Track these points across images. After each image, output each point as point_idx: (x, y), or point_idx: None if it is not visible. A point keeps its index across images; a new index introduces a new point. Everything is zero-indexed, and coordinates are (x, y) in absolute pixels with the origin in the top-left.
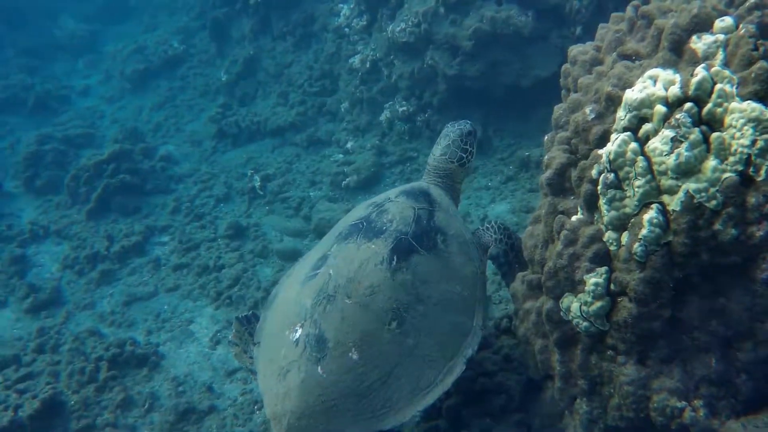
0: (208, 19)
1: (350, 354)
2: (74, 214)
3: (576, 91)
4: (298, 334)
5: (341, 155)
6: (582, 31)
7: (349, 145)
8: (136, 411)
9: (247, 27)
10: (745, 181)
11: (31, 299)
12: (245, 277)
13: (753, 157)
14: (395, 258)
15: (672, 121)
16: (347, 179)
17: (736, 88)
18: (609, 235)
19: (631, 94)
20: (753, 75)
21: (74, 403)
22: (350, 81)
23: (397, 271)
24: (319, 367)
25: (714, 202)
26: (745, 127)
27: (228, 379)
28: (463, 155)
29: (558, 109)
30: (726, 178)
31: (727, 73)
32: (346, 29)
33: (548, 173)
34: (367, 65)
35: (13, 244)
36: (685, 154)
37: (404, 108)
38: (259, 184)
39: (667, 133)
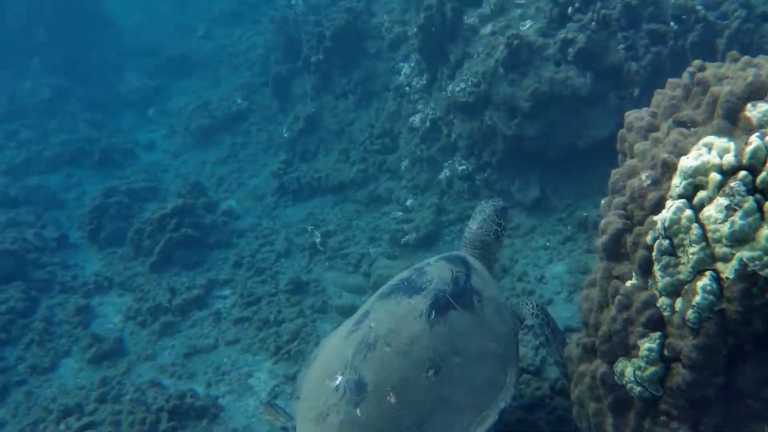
0: (270, 75)
1: (388, 398)
2: (137, 267)
3: (632, 157)
4: (338, 381)
5: (401, 212)
6: (640, 93)
7: (408, 203)
8: None
9: (308, 84)
10: None
11: (94, 349)
12: (304, 332)
13: None
14: (433, 312)
15: (726, 189)
16: (407, 237)
17: None
18: (663, 301)
19: (687, 162)
20: None
21: None
22: (410, 139)
23: (435, 323)
24: (358, 410)
25: None
26: None
27: None
28: (498, 229)
29: (615, 174)
30: None
31: None
32: (407, 88)
33: (604, 238)
34: (427, 124)
35: (78, 295)
36: (740, 222)
37: (463, 167)
38: (319, 239)
39: (722, 201)
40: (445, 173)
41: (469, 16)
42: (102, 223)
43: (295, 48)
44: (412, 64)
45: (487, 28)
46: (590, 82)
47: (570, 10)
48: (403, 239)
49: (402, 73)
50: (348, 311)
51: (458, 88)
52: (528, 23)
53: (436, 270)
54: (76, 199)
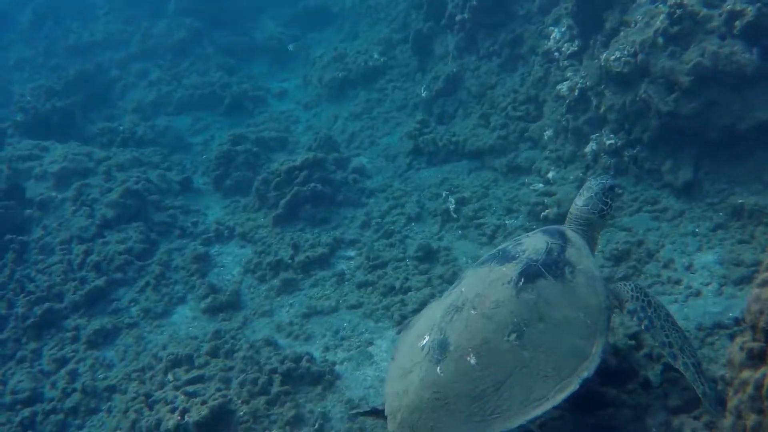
0: (410, 31)
1: (468, 358)
2: (261, 218)
3: None
4: (425, 341)
5: (541, 185)
6: None
7: (550, 175)
8: (305, 430)
9: (451, 43)
10: None
11: (210, 299)
12: None
13: None
14: (522, 279)
15: None
16: (546, 211)
17: None
18: None
19: None
20: None
21: (243, 414)
22: (556, 108)
23: (523, 290)
24: (438, 368)
25: None
26: None
27: None
28: (604, 207)
29: None
30: None
31: None
32: (556, 53)
33: None
34: (576, 93)
35: (198, 242)
36: None
37: (612, 141)
38: (453, 206)
39: None
40: (591, 146)
41: None
42: (228, 171)
43: (439, 5)
44: (563, 29)
45: None
46: (757, 59)
47: None
48: (542, 213)
49: (551, 37)
50: None
51: (613, 57)
52: None
53: (532, 241)
54: (203, 143)
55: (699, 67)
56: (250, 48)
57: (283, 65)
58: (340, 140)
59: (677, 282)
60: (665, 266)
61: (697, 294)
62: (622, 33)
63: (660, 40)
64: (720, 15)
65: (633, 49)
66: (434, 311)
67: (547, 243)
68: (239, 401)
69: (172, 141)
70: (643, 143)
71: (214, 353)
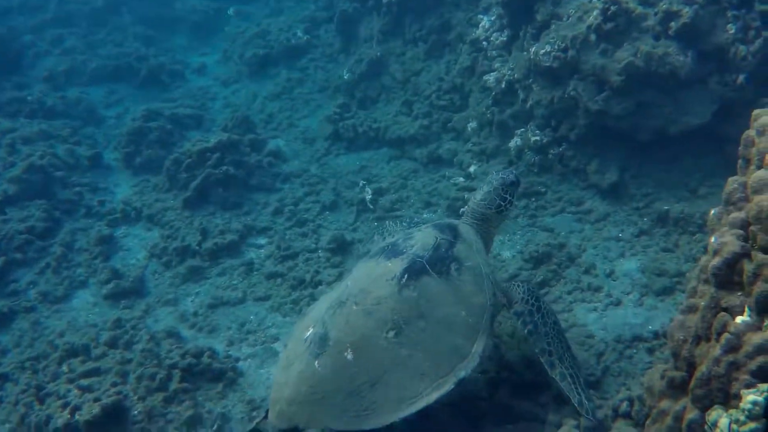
0: (336, 11)
1: (346, 353)
2: (170, 200)
3: (763, 167)
4: (308, 333)
5: (462, 179)
6: (745, 80)
7: (472, 169)
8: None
9: (377, 26)
10: None
11: (112, 285)
12: None
13: None
14: (406, 276)
15: None
16: (466, 207)
17: None
18: None
19: None
20: None
21: (138, 412)
22: (482, 100)
23: (405, 287)
24: (317, 362)
25: None
26: None
27: None
28: (502, 203)
29: (732, 182)
30: None
31: None
32: (484, 43)
33: (716, 261)
34: (503, 85)
35: (103, 222)
36: None
37: (537, 138)
38: (370, 196)
39: None
40: (515, 142)
41: None
42: (139, 148)
43: None
44: (493, 18)
45: None
46: (691, 62)
47: None
48: (462, 209)
49: (480, 26)
50: None
51: (542, 51)
52: None
53: (422, 236)
54: (117, 117)
55: (631, 67)
56: (170, 19)
57: (204, 39)
58: (258, 120)
59: (597, 289)
60: (586, 272)
61: (618, 303)
62: (553, 26)
63: (592, 36)
64: (655, 14)
65: (564, 45)
66: (323, 302)
67: (436, 238)
68: (135, 397)
69: (83, 113)
70: (570, 141)
71: (112, 344)
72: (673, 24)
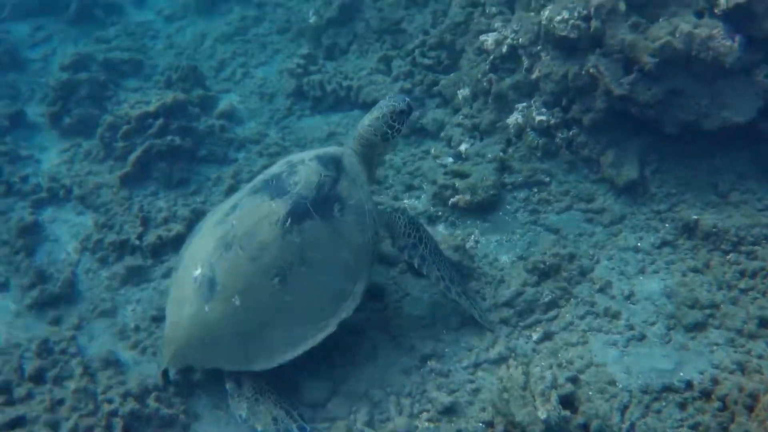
0: None
1: (233, 299)
2: (105, 173)
3: None
4: (197, 273)
5: (451, 159)
6: None
7: (462, 148)
8: None
9: None
10: None
11: (37, 291)
12: None
13: None
14: (289, 220)
15: None
16: (457, 197)
17: None
18: None
19: None
20: None
21: None
22: (477, 63)
23: (288, 232)
24: (207, 306)
25: None
26: None
27: None
28: (388, 131)
29: None
30: None
31: None
32: None
33: None
34: (504, 49)
35: (26, 203)
36: None
37: (543, 117)
38: None
39: None
40: (516, 118)
41: None
42: (68, 105)
43: None
44: None
45: None
46: (739, 49)
47: None
48: (451, 199)
49: None
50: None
51: (559, 17)
52: None
53: (305, 171)
54: (43, 59)
55: (668, 48)
56: None
57: None
58: (207, 68)
59: (615, 316)
60: (601, 291)
61: (641, 338)
62: None
63: (622, 5)
64: None
65: (586, 12)
66: (209, 235)
67: (320, 175)
68: None
69: (4, 56)
70: (582, 126)
71: (39, 377)
72: (723, 1)
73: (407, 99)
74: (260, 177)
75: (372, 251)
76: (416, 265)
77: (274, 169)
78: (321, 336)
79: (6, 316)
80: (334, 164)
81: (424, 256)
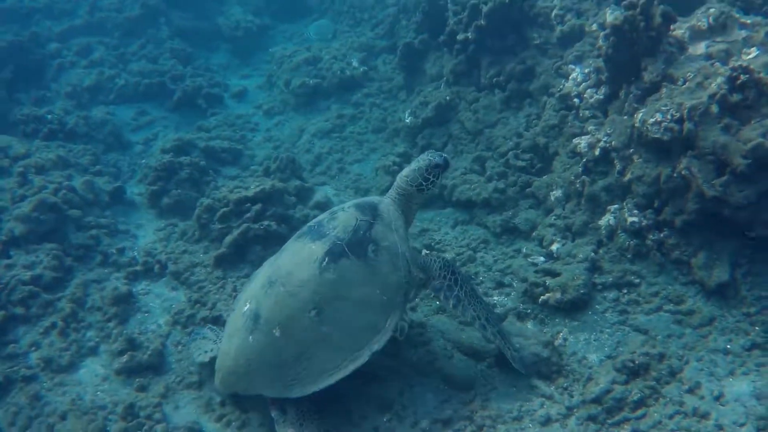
0: (399, 42)
1: (274, 331)
2: (200, 253)
3: None
4: (246, 308)
5: (542, 258)
6: None
7: (554, 248)
8: None
9: (448, 65)
10: None
11: (126, 357)
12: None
13: None
14: (326, 259)
15: None
16: (547, 295)
17: None
18: None
19: None
20: None
21: None
22: (570, 166)
23: (325, 270)
24: (251, 337)
25: None
26: None
27: None
28: (423, 183)
29: None
30: None
31: None
32: (576, 99)
33: None
34: (596, 152)
35: (121, 275)
36: None
37: (635, 219)
38: None
39: None
40: (608, 219)
41: (678, 27)
42: (167, 186)
43: (437, 17)
44: (588, 70)
45: (700, 48)
46: None
47: None
48: (542, 297)
49: (571, 78)
50: (461, 382)
51: (651, 120)
52: (754, 52)
53: (344, 216)
54: (145, 143)
55: (760, 149)
56: (211, 35)
57: (246, 59)
58: (304, 161)
59: (705, 416)
60: (690, 391)
61: None
62: (664, 90)
63: (714, 108)
64: None
65: (678, 114)
66: (260, 277)
67: (357, 220)
68: None
69: (108, 137)
70: (674, 227)
71: None
72: None
73: (444, 155)
74: (304, 228)
75: (406, 291)
76: (451, 306)
77: (320, 217)
78: (353, 366)
79: (93, 380)
80: (371, 210)
81: (460, 297)
